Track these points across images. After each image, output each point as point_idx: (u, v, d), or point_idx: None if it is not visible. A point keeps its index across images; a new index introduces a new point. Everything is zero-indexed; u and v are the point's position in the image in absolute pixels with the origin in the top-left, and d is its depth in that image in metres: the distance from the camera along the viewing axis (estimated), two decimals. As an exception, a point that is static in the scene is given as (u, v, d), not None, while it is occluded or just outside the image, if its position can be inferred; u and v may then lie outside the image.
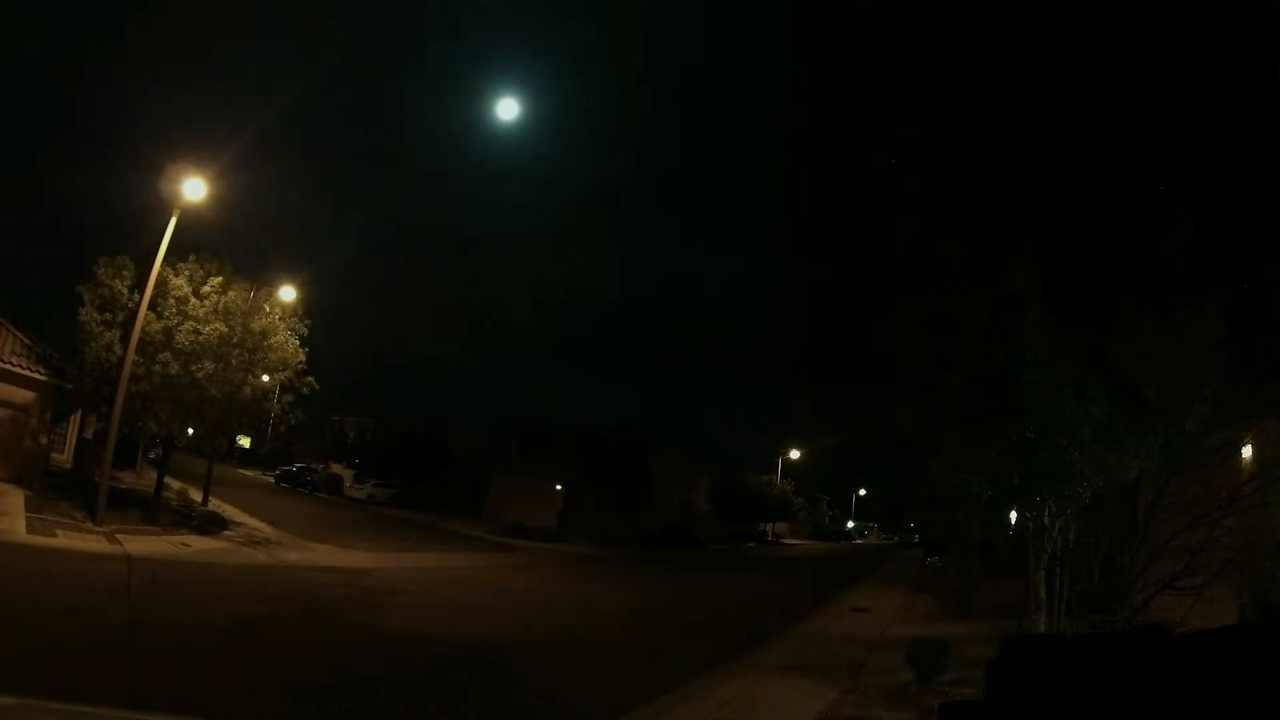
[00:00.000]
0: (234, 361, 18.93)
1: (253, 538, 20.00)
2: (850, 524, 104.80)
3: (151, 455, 30.37)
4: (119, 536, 15.48)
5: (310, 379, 21.24)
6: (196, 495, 24.41)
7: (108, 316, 18.65)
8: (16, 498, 16.64)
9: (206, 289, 19.13)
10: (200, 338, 18.35)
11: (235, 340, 18.98)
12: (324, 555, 18.99)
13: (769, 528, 66.99)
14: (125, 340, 17.68)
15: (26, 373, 19.80)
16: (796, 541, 71.03)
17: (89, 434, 25.71)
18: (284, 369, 20.62)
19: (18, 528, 14.33)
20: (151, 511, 18.61)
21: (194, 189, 17.73)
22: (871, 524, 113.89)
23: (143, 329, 17.61)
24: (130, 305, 18.44)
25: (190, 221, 18.54)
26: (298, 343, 20.62)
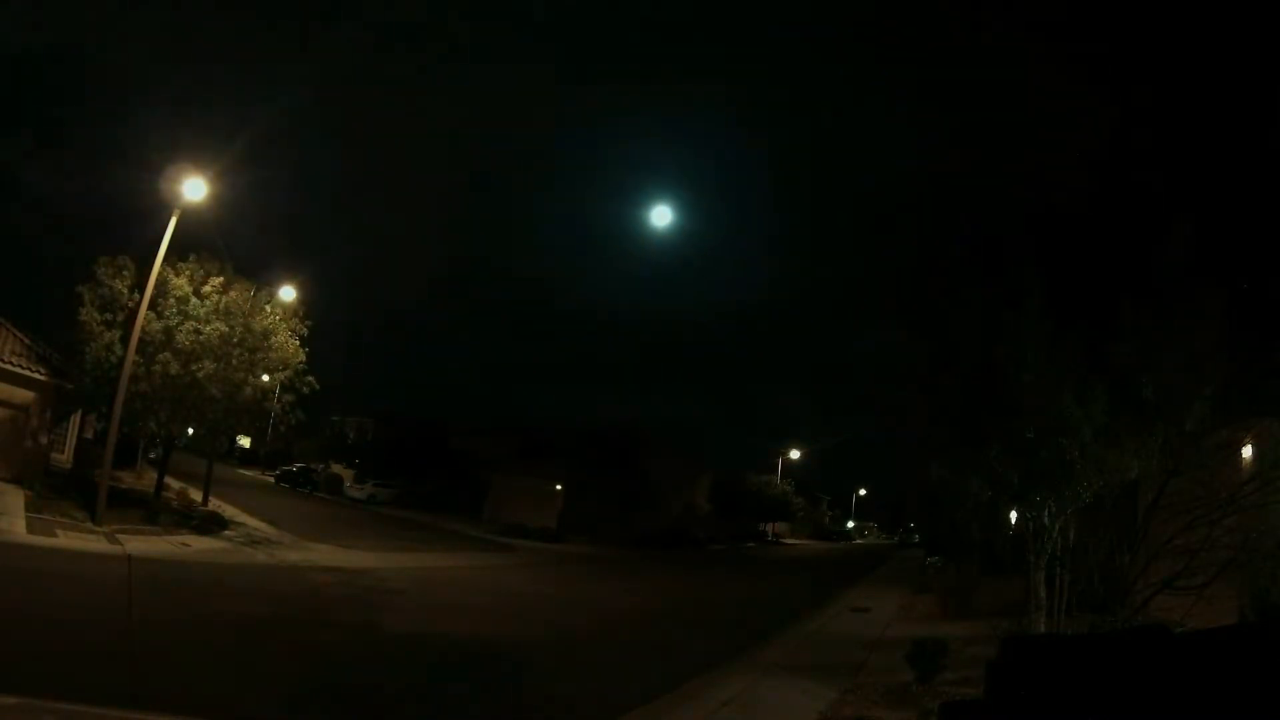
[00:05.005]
0: (235, 361, 18.95)
1: (253, 538, 19.99)
2: (850, 524, 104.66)
3: (151, 455, 30.39)
4: (119, 536, 15.47)
5: (310, 379, 21.30)
6: (196, 495, 24.39)
7: (108, 316, 18.67)
8: (17, 498, 16.63)
9: (207, 289, 19.16)
10: (201, 338, 18.37)
11: (236, 340, 19.00)
12: (324, 555, 18.99)
13: (769, 527, 66.95)
14: (125, 340, 17.69)
15: (26, 373, 19.80)
16: (796, 541, 71.00)
17: (89, 434, 25.72)
18: (284, 369, 20.66)
19: (18, 528, 14.32)
20: (152, 511, 18.60)
21: (194, 188, 17.69)
22: (871, 524, 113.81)
23: (143, 329, 17.62)
24: (130, 305, 18.46)
25: (213, 223, 18.85)
26: (298, 343, 20.66)
